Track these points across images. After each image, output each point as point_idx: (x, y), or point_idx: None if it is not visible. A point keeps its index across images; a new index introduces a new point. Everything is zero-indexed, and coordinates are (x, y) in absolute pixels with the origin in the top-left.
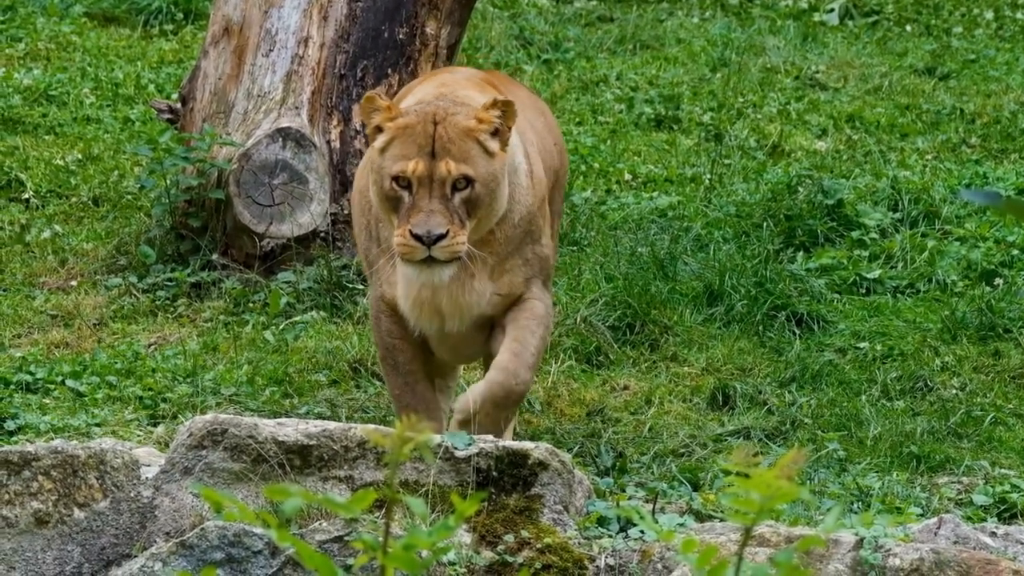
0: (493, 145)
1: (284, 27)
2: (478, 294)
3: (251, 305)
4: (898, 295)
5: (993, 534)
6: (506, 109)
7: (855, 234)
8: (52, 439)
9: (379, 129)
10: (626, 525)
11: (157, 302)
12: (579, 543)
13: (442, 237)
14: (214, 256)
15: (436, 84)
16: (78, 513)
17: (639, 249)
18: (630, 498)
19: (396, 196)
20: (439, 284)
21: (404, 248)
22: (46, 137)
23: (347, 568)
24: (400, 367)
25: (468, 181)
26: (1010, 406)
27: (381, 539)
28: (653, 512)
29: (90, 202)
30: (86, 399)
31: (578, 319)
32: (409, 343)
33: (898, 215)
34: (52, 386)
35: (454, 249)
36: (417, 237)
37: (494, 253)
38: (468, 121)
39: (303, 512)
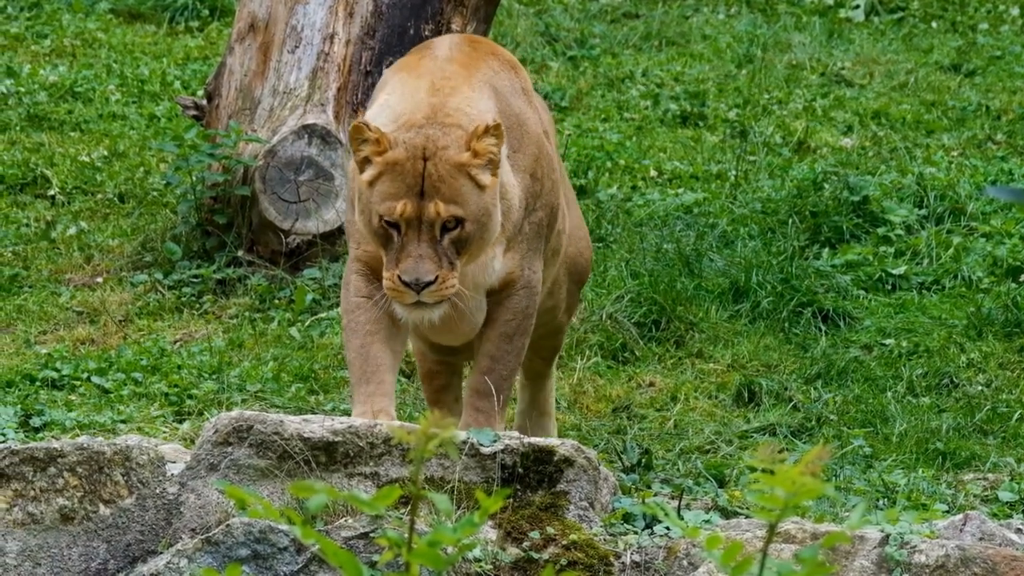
0: (485, 178)
1: (310, 24)
2: (494, 272)
3: (277, 302)
4: (924, 291)
5: (1019, 531)
6: (497, 134)
7: (881, 231)
8: (78, 436)
9: (368, 160)
10: (652, 522)
11: (183, 299)
12: (605, 540)
13: (431, 283)
14: (240, 253)
15: (428, 90)
16: (104, 510)
17: (665, 246)
18: (656, 495)
19: (385, 234)
20: (430, 323)
21: (393, 293)
22: (72, 134)
23: (372, 564)
24: (360, 327)
25: (458, 221)
26: None
27: (406, 535)
28: (679, 509)
29: (116, 199)
30: (112, 396)
31: (604, 315)
32: (375, 305)
33: (924, 211)
34: (78, 383)
35: (443, 293)
36: (406, 284)
37: (505, 232)
38: (459, 156)
39: (328, 509)
